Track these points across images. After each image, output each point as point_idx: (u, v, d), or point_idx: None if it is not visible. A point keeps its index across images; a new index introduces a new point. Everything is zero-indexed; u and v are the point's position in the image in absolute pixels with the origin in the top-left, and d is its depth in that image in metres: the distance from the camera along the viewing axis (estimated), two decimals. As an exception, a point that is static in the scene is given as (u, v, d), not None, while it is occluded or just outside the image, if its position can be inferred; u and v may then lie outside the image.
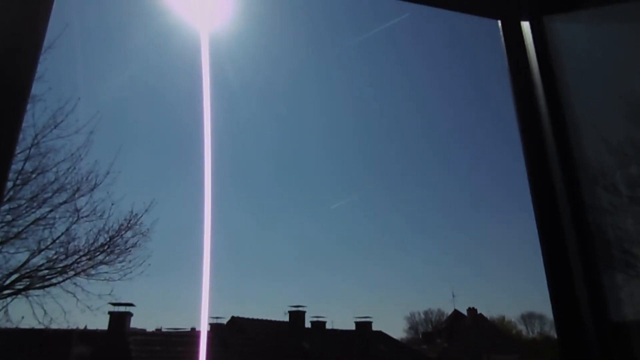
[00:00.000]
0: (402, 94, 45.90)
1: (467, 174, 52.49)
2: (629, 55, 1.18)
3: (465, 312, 44.43)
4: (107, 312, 19.56)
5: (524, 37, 1.33)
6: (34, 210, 10.95)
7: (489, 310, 68.95)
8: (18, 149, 10.35)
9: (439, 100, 46.89)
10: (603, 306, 1.11)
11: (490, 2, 1.36)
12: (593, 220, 1.22)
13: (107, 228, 12.13)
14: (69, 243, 11.62)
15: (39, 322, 11.07)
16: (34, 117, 10.46)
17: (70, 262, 11.64)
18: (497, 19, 1.37)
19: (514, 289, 62.43)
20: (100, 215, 11.92)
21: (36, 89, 10.47)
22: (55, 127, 10.76)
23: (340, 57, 38.43)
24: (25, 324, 11.07)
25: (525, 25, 1.34)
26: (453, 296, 56.23)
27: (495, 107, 49.06)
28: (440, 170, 51.90)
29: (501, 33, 1.37)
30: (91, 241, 11.91)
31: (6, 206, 10.54)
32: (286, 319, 28.37)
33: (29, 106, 10.26)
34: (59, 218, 11.39)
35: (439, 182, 51.72)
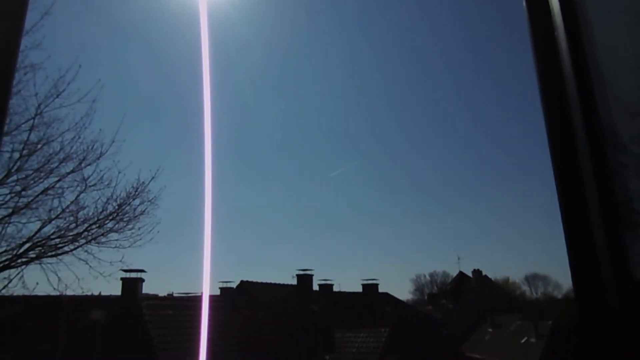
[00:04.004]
0: (403, 57, 45.06)
1: (471, 137, 52.15)
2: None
3: (470, 274, 45.14)
4: (119, 279, 20.07)
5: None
6: (41, 180, 11.02)
7: (493, 271, 70.00)
8: (22, 119, 10.32)
9: (441, 63, 46.03)
10: (625, 264, 1.10)
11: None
12: (616, 177, 1.19)
13: (115, 196, 12.23)
14: (79, 212, 11.76)
15: (54, 289, 11.35)
16: (35, 86, 10.36)
17: (81, 230, 11.82)
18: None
19: (519, 251, 63.14)
20: (108, 184, 12.00)
21: (35, 57, 10.36)
22: (57, 96, 10.65)
23: (340, 20, 37.50)
24: (41, 291, 11.36)
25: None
26: (458, 258, 56.98)
27: (497, 66, 48.10)
28: (444, 133, 51.55)
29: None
30: (100, 209, 12.05)
31: (14, 177, 10.62)
32: (294, 282, 28.97)
33: (29, 75, 10.17)
34: (67, 187, 11.48)
35: (443, 146, 51.49)
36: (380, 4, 36.81)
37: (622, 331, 1.07)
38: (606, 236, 1.13)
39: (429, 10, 40.58)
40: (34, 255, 11.26)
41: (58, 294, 11.45)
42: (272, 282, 29.47)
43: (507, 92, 50.11)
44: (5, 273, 10.70)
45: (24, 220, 10.99)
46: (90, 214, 11.92)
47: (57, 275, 11.32)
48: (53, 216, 11.35)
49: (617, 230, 1.14)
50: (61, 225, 11.55)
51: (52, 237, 11.48)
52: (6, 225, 10.69)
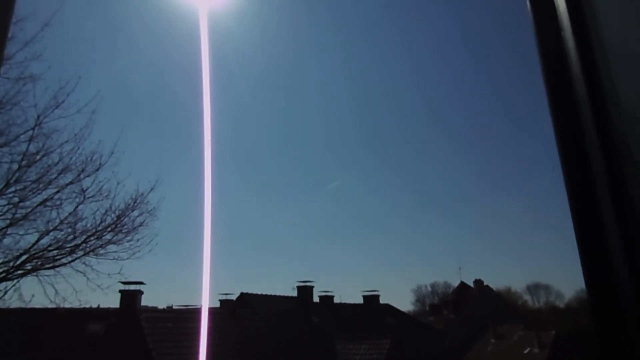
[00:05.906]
0: (404, 65, 45.28)
1: (471, 146, 52.22)
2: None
3: (471, 284, 44.88)
4: (117, 291, 19.86)
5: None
6: (40, 191, 10.98)
7: (495, 281, 69.69)
8: (21, 130, 10.30)
9: (442, 70, 46.24)
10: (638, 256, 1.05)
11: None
12: (625, 165, 1.15)
13: (113, 208, 12.16)
14: (77, 223, 11.69)
15: (51, 301, 11.23)
16: (35, 97, 10.36)
17: (79, 242, 11.73)
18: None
19: (520, 260, 62.87)
20: (107, 195, 11.95)
21: (35, 68, 10.35)
22: (56, 107, 10.66)
23: (340, 26, 37.73)
24: (37, 303, 11.24)
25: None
26: (459, 268, 56.72)
27: (499, 73, 48.32)
28: (444, 142, 51.62)
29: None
30: (98, 221, 11.98)
31: (13, 188, 10.57)
32: (295, 294, 28.76)
33: (29, 86, 10.17)
34: (66, 199, 11.43)
35: (444, 155, 51.54)
36: (381, 9, 37.08)
37: (638, 331, 1.01)
38: (620, 234, 1.08)
39: (430, 14, 40.87)
40: (30, 267, 11.16)
41: (55, 306, 11.34)
42: (273, 293, 29.26)
43: (510, 98, 50.26)
44: (2, 285, 10.61)
45: (21, 232, 10.93)
46: (89, 225, 11.86)
47: (54, 287, 11.22)
48: (51, 228, 11.29)
49: (631, 227, 1.09)
50: (59, 236, 11.48)
51: (49, 248, 11.40)
52: (3, 236, 10.61)
